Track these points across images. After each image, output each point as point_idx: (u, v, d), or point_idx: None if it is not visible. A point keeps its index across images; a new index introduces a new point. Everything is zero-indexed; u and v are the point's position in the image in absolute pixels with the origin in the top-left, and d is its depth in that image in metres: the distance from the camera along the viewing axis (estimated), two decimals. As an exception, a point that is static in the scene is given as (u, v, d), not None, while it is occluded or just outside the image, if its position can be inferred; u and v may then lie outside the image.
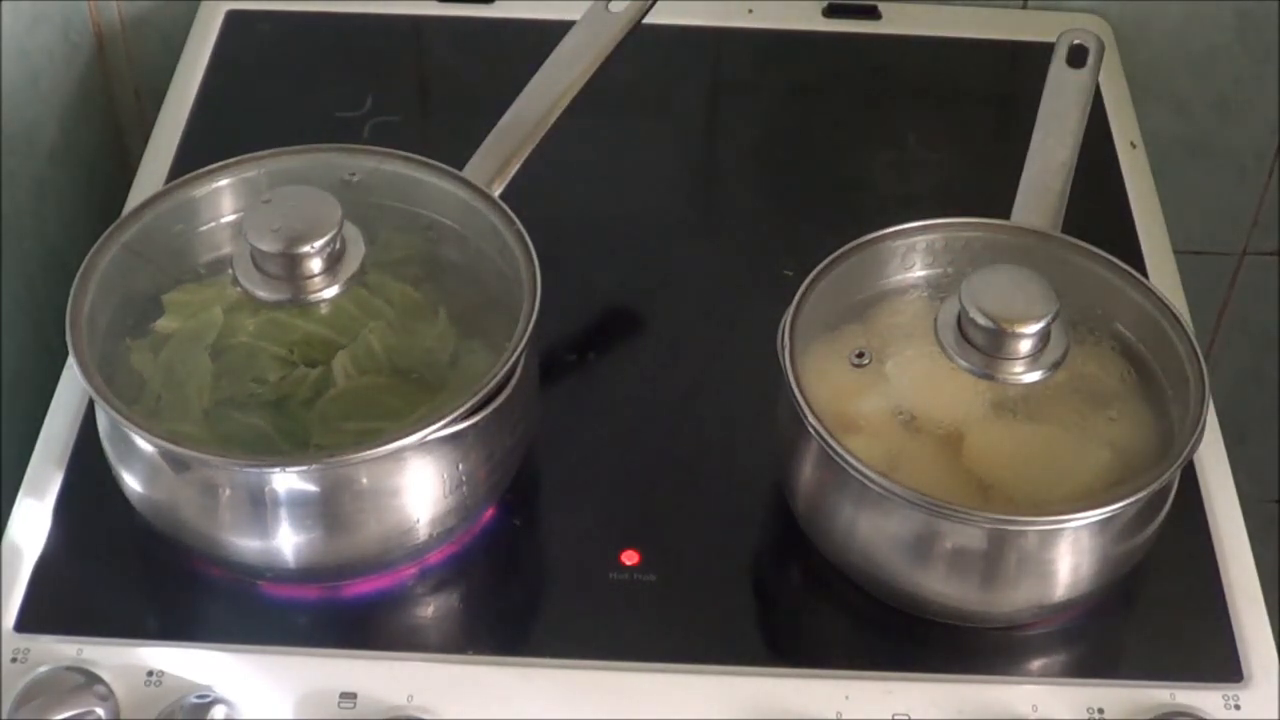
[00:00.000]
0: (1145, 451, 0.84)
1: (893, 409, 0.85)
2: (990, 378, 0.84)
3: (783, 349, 0.84)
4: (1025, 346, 0.83)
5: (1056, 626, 0.86)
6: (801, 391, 0.82)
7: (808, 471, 0.84)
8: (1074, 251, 0.90)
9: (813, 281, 0.87)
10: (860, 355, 0.85)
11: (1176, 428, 0.84)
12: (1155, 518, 0.84)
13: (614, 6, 0.97)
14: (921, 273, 0.91)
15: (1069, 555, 0.81)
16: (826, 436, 0.80)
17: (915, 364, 0.86)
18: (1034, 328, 0.83)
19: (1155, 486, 0.80)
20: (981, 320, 0.83)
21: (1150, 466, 0.82)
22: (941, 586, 0.82)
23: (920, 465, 0.83)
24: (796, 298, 0.86)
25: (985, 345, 0.84)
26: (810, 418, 0.81)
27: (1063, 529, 0.80)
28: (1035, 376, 0.84)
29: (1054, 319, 0.83)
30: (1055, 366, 0.84)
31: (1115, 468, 0.83)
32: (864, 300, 0.90)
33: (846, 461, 0.80)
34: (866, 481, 0.79)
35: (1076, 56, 0.98)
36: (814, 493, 0.85)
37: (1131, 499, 0.79)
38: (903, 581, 0.83)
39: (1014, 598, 0.83)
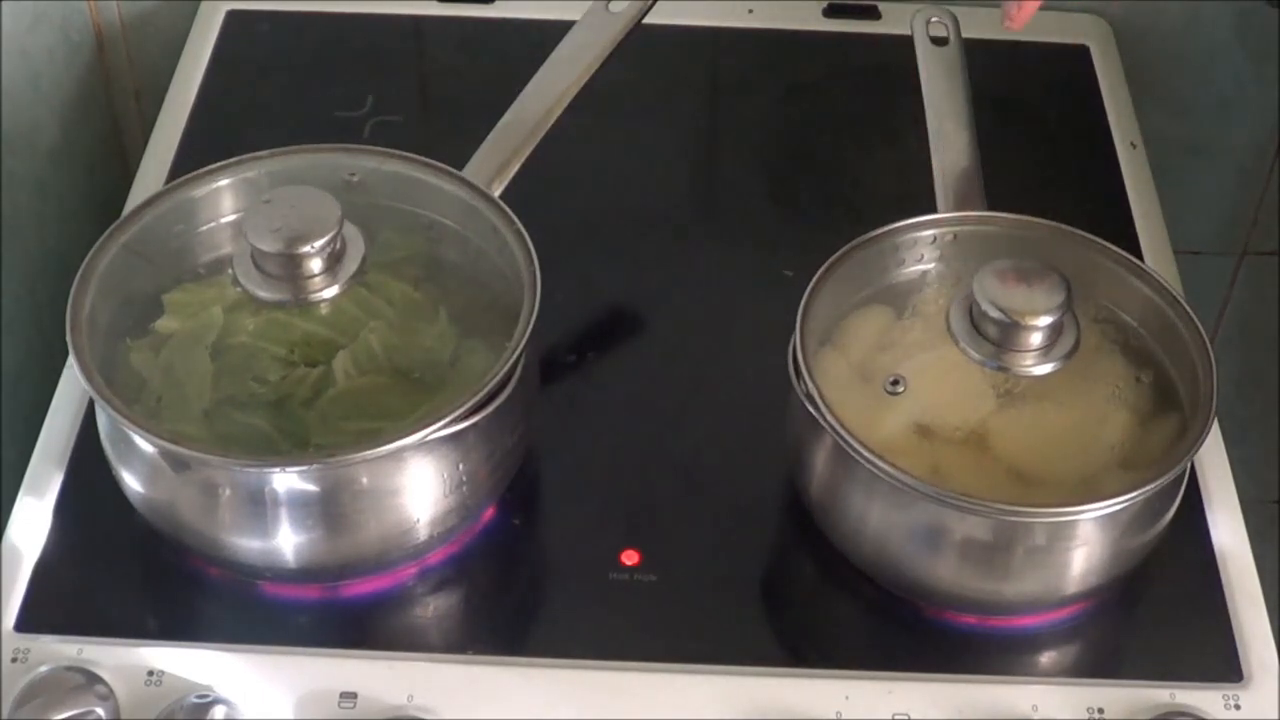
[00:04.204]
0: (1159, 419, 0.85)
1: (907, 410, 0.85)
2: (1005, 370, 0.84)
3: (795, 344, 0.84)
4: (1039, 338, 0.84)
5: (1057, 626, 0.86)
6: (814, 382, 0.82)
7: (820, 463, 0.84)
8: (1081, 244, 0.90)
9: (828, 270, 0.87)
10: (895, 383, 0.86)
11: (1188, 417, 0.84)
12: (1166, 510, 0.84)
13: (614, 6, 0.97)
14: (930, 266, 0.91)
15: (1081, 546, 0.81)
16: (839, 428, 0.80)
17: (930, 361, 0.86)
18: (1048, 319, 0.83)
19: (1167, 479, 0.80)
20: (995, 314, 0.83)
21: (1164, 449, 0.83)
22: (955, 576, 0.82)
23: (950, 462, 0.84)
24: (810, 286, 0.86)
25: (998, 338, 0.84)
26: (823, 407, 0.81)
27: (1076, 520, 0.80)
28: (1049, 368, 0.84)
29: (1067, 309, 0.83)
30: (1068, 356, 0.85)
31: (1134, 429, 0.84)
32: (870, 295, 0.90)
33: (859, 453, 0.80)
34: (878, 473, 0.80)
35: (938, 35, 0.99)
36: (826, 484, 0.85)
37: (1141, 491, 0.79)
38: (916, 573, 0.83)
39: (1024, 589, 0.83)
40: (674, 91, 1.17)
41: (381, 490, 0.81)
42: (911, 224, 0.90)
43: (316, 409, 0.84)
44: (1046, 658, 0.85)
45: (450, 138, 0.95)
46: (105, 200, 1.20)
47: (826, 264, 0.88)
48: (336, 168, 0.92)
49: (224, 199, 0.91)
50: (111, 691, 0.80)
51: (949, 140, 0.95)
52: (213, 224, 0.91)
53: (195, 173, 0.91)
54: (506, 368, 0.81)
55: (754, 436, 0.92)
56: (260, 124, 1.11)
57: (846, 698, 0.81)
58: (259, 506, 0.80)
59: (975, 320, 0.85)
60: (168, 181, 1.01)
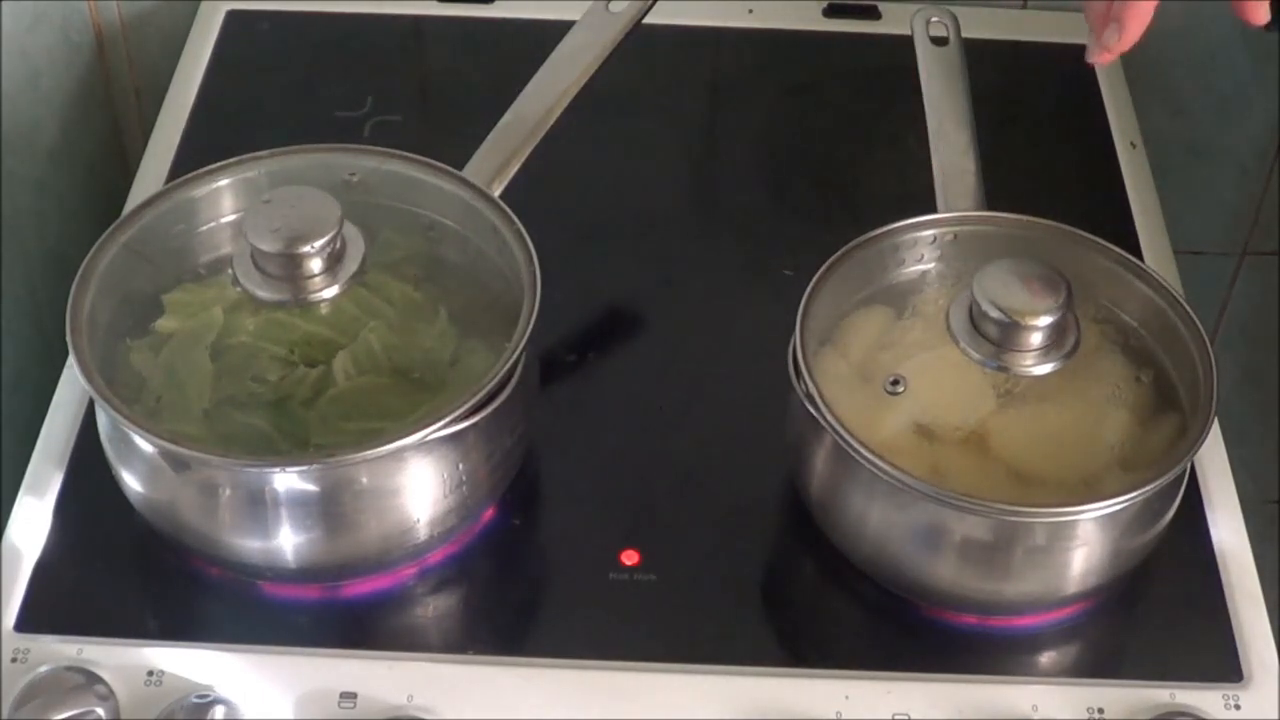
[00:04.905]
0: (1159, 419, 0.85)
1: (907, 410, 0.85)
2: (1005, 370, 0.84)
3: (795, 344, 0.84)
4: (1039, 338, 0.84)
5: (1057, 626, 0.86)
6: (814, 382, 0.82)
7: (820, 463, 0.84)
8: (1081, 244, 0.90)
9: (828, 270, 0.87)
10: (895, 383, 0.85)
11: (1188, 417, 0.84)
12: (1166, 510, 0.84)
13: (614, 6, 0.97)
14: (930, 266, 0.91)
15: (1081, 546, 0.81)
16: (839, 428, 0.80)
17: (930, 361, 0.86)
18: (1048, 319, 0.83)
19: (1167, 479, 0.80)
20: (995, 314, 0.83)
21: (1164, 449, 0.83)
22: (955, 576, 0.82)
23: (950, 462, 0.84)
24: (810, 286, 0.86)
25: (998, 338, 0.84)
26: (823, 407, 0.81)
27: (1076, 520, 0.80)
28: (1049, 368, 0.84)
29: (1067, 309, 0.83)
30: (1068, 356, 0.85)
31: (1134, 429, 0.84)
32: (870, 295, 0.90)
33: (859, 453, 0.80)
34: (878, 473, 0.80)
35: (938, 35, 1.00)
36: (826, 484, 0.85)
37: (1141, 491, 0.79)
38: (916, 573, 0.83)
39: (1024, 589, 0.83)
40: (674, 91, 1.17)
41: (381, 490, 0.81)
42: (911, 224, 0.91)
43: (316, 409, 0.84)
44: (1046, 658, 0.85)
45: (450, 138, 0.95)
46: (105, 200, 1.20)
47: (826, 264, 0.88)
48: (336, 168, 0.92)
49: (224, 199, 0.91)
50: (111, 691, 0.80)
51: (949, 140, 0.95)
52: (213, 224, 0.91)
53: (195, 173, 0.91)
54: (506, 368, 0.81)
55: (754, 436, 0.92)
56: (260, 124, 1.11)
57: (846, 698, 0.81)
58: (259, 506, 0.80)
59: (975, 320, 0.85)
60: (168, 181, 1.01)
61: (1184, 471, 0.84)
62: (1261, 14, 0.89)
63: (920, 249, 0.91)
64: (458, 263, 0.91)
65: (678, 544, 0.88)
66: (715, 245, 1.06)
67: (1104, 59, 0.90)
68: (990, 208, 0.93)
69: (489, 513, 0.89)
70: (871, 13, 1.21)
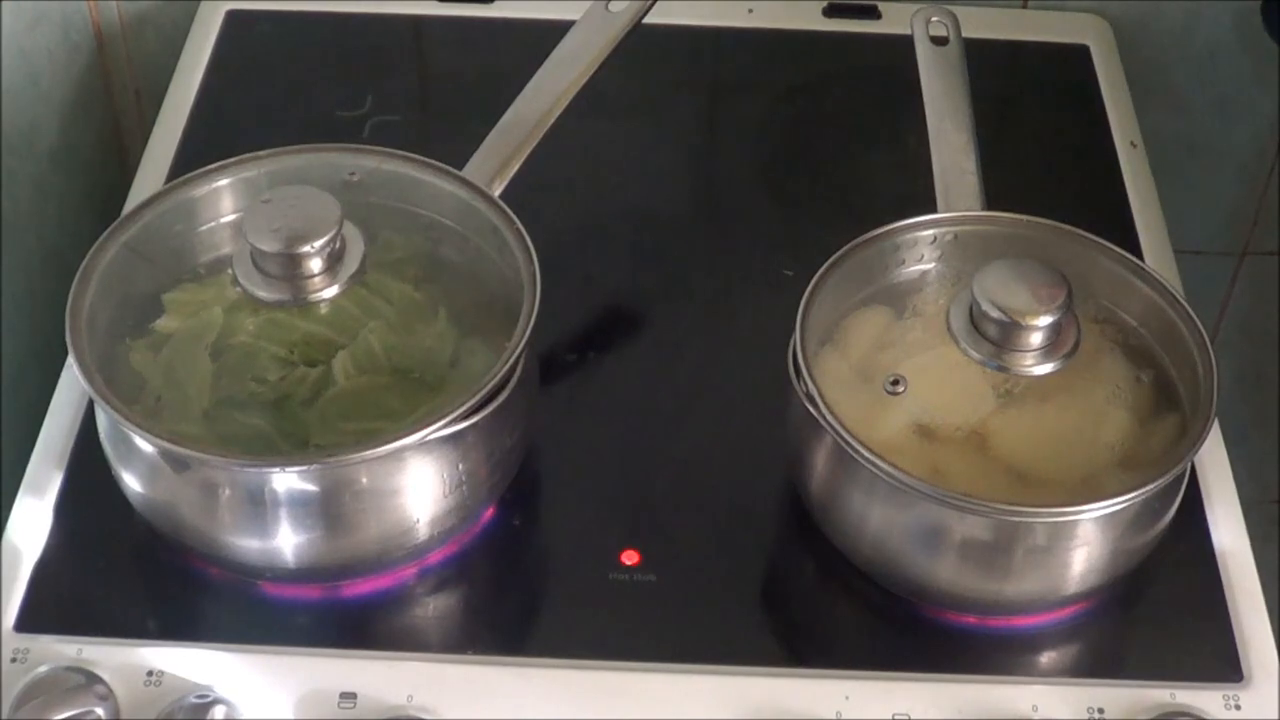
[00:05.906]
0: (1159, 419, 0.85)
1: (907, 410, 0.85)
2: (1005, 370, 0.84)
3: (795, 344, 0.84)
4: (1039, 338, 0.84)
5: (1057, 626, 0.86)
6: (814, 382, 0.82)
7: (820, 463, 0.84)
8: (1081, 244, 0.90)
9: (828, 270, 0.87)
10: (895, 383, 0.85)
11: (1188, 417, 0.84)
12: (1166, 510, 0.84)
13: (614, 6, 0.97)
14: (930, 266, 0.91)
15: (1082, 546, 0.81)
16: (839, 428, 0.80)
17: (930, 361, 0.86)
18: (1048, 319, 0.83)
19: (1167, 479, 0.80)
20: (995, 314, 0.83)
21: (1164, 449, 0.83)
22: (955, 576, 0.82)
23: (950, 462, 0.84)
24: (810, 286, 0.86)
25: (998, 338, 0.84)
26: (823, 407, 0.81)
27: (1076, 520, 0.80)
28: (1049, 368, 0.84)
29: (1067, 310, 0.83)
30: (1068, 356, 0.85)
31: (1134, 429, 0.84)
32: (870, 295, 0.90)
33: (859, 453, 0.80)
34: (878, 473, 0.80)
35: (938, 35, 1.00)
36: (826, 484, 0.85)
37: (1141, 491, 0.79)
38: (916, 573, 0.83)
39: (1024, 589, 0.83)
40: (674, 91, 1.17)
41: (381, 490, 0.81)
42: (911, 224, 0.91)
43: (316, 409, 0.84)
44: (1046, 658, 0.85)
45: (450, 138, 0.95)
46: (105, 200, 1.20)
47: (826, 264, 0.88)
48: (336, 168, 0.92)
49: (224, 199, 0.91)
50: (111, 691, 0.80)
51: (949, 140, 0.95)
52: (213, 224, 0.91)
53: (195, 173, 0.91)
54: (506, 368, 0.81)
55: (754, 436, 0.92)
56: (260, 124, 1.11)
57: (846, 698, 0.81)
58: (259, 506, 0.80)
59: (975, 320, 0.85)
60: (168, 181, 1.01)
61: (1184, 471, 0.84)
62: None
63: (920, 249, 0.91)
64: (458, 263, 0.91)
65: (678, 544, 0.88)
66: (715, 245, 1.06)
67: None
68: (990, 208, 0.93)
69: (489, 513, 0.89)
70: (871, 13, 1.21)
